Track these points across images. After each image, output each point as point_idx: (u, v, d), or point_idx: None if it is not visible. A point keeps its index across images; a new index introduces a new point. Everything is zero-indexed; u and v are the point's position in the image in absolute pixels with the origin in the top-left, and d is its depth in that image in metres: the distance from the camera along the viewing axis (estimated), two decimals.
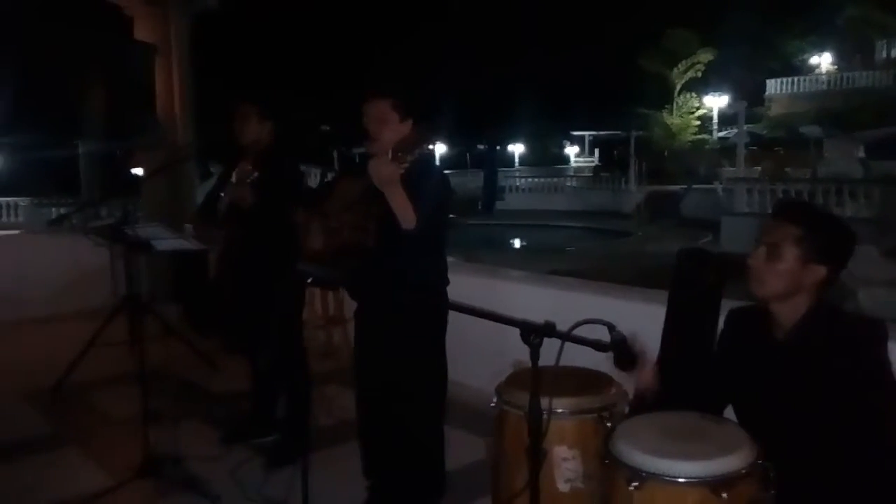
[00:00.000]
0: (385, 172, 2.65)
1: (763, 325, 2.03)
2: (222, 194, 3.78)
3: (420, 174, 2.75)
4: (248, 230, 3.63)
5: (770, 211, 2.08)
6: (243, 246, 3.70)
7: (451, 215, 3.06)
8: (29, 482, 3.52)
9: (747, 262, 1.98)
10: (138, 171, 7.49)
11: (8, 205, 18.43)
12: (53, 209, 15.42)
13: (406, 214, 2.68)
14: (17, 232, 9.79)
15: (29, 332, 6.18)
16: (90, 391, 4.75)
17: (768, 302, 1.99)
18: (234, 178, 3.74)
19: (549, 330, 1.91)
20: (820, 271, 1.93)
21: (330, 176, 3.22)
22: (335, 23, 37.65)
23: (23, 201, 18.19)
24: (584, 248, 17.51)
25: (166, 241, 3.26)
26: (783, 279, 1.93)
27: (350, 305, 3.13)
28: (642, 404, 2.16)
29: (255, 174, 3.64)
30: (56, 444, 4.00)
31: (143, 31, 7.17)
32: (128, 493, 3.29)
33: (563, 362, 2.46)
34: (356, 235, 2.77)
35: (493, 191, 25.26)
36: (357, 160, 3.12)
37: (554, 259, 13.91)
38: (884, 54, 36.63)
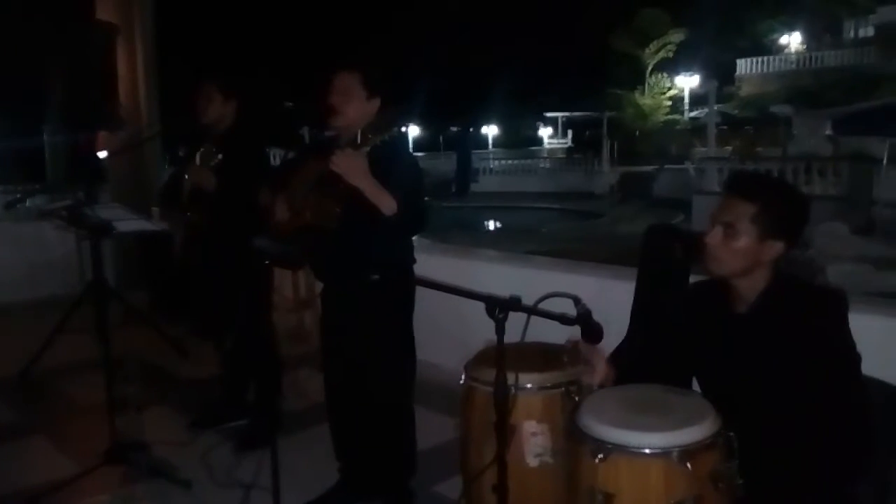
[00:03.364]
0: (353, 165, 2.56)
1: (724, 299, 2.02)
2: (186, 177, 3.71)
3: (389, 158, 2.67)
4: (212, 214, 3.57)
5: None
6: (208, 230, 3.64)
7: (426, 198, 2.99)
8: None
9: (704, 241, 1.95)
10: (103, 154, 7.36)
11: None
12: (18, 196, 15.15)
13: (384, 201, 2.59)
14: None
15: None
16: (57, 379, 4.68)
17: (728, 278, 1.98)
18: (197, 161, 3.66)
19: (513, 304, 1.89)
20: (777, 246, 1.91)
21: (291, 156, 3.12)
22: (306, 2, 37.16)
23: None
24: (558, 229, 17.56)
25: (127, 223, 3.18)
26: (741, 257, 1.90)
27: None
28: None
29: (219, 157, 3.57)
30: (23, 432, 3.94)
31: (105, 11, 7.01)
32: (96, 480, 3.24)
33: (534, 339, 2.47)
34: (319, 218, 2.70)
35: (466, 173, 25.30)
36: (323, 142, 3.02)
37: (528, 240, 13.94)
38: (852, 33, 36.93)
